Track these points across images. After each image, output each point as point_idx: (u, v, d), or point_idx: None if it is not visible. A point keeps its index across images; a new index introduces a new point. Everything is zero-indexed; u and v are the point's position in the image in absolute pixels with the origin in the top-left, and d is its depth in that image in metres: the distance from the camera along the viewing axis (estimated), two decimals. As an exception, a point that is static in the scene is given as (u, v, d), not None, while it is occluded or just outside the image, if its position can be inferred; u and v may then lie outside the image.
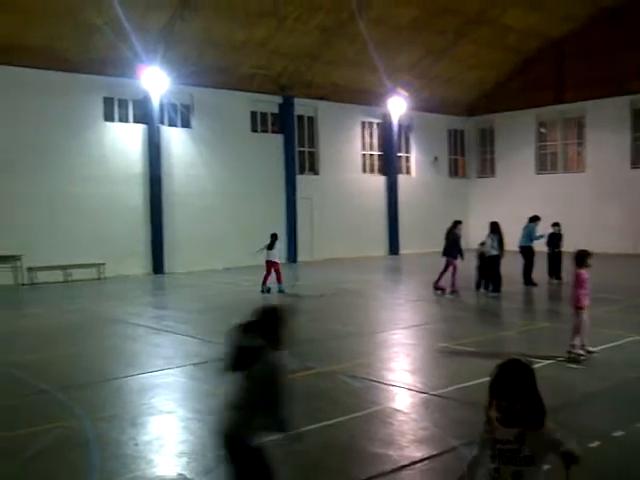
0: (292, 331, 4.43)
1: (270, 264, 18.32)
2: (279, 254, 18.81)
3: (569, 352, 9.69)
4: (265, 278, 18.28)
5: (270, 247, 18.53)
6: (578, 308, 9.73)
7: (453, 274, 17.28)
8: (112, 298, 18.81)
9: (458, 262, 17.51)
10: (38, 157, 22.09)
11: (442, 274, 17.48)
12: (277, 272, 18.27)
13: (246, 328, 4.39)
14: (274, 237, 18.81)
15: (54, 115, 22.34)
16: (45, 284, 21.66)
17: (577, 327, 9.70)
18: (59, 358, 10.81)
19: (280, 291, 18.16)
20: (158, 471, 5.86)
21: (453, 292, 17.15)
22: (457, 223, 18.30)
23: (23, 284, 21.66)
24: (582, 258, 9.80)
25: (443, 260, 17.75)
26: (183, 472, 5.82)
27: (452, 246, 17.75)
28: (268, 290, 18.13)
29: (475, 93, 34.09)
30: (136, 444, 6.55)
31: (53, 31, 21.33)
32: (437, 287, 17.50)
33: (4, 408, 8.04)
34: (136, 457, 6.22)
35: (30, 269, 21.86)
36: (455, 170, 35.97)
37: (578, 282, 9.74)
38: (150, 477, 5.72)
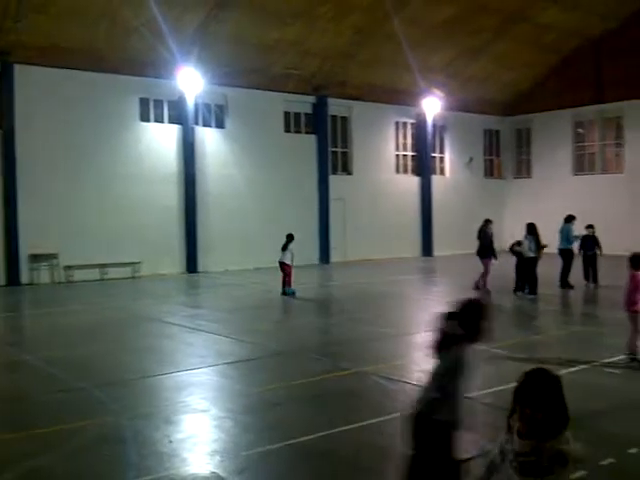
0: (491, 326, 4.43)
1: (283, 265, 17.94)
2: (291, 256, 18.12)
3: (630, 356, 9.46)
4: (283, 280, 17.93)
5: (283, 248, 18.19)
6: (634, 312, 9.49)
7: (484, 274, 17.27)
8: (147, 297, 19.00)
9: (492, 262, 17.38)
10: (76, 157, 22.42)
11: (483, 275, 17.41)
12: (287, 275, 17.81)
13: (450, 316, 4.51)
14: (289, 238, 18.43)
15: (91, 116, 22.65)
16: (81, 282, 21.96)
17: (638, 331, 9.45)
18: (96, 355, 10.94)
19: (287, 294, 17.64)
20: (192, 469, 5.88)
21: (481, 291, 17.07)
22: (488, 222, 18.21)
23: (60, 282, 22.00)
24: (638, 260, 9.56)
25: (478, 260, 17.61)
26: (216, 470, 5.82)
27: (485, 246, 17.62)
28: (288, 293, 17.73)
29: (512, 93, 33.70)
30: (171, 442, 6.58)
31: (90, 33, 21.64)
32: (477, 287, 17.40)
33: (43, 404, 8.16)
34: (171, 455, 6.24)
35: (67, 267, 22.18)
36: (490, 171, 35.62)
37: (634, 285, 9.49)
38: (184, 475, 5.74)
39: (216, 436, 6.80)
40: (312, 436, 6.62)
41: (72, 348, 11.46)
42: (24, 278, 21.48)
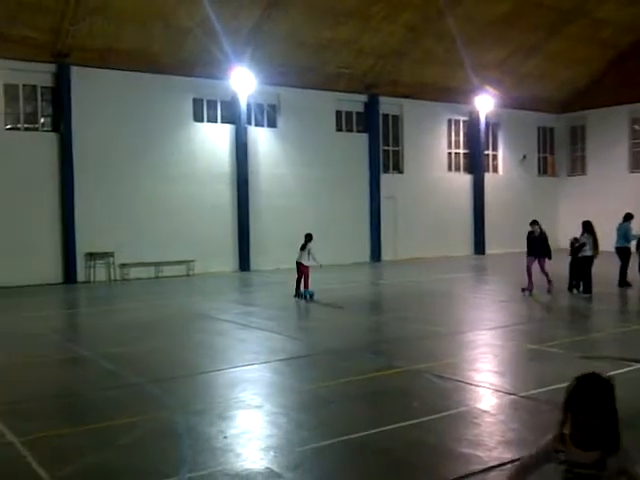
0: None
1: (300, 266, 17.13)
2: (308, 256, 17.16)
3: None
4: (297, 281, 17.19)
5: (302, 248, 17.30)
6: None
7: (528, 272, 16.90)
8: (200, 294, 19.27)
9: (536, 261, 17.03)
10: (131, 157, 22.90)
11: (545, 274, 16.97)
12: (305, 276, 16.99)
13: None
14: (307, 238, 17.47)
15: (146, 116, 23.09)
16: (136, 280, 22.41)
17: None
18: (151, 352, 11.16)
19: (306, 297, 16.88)
20: (246, 464, 5.93)
21: (524, 290, 16.80)
22: (532, 223, 17.86)
23: (115, 280, 22.49)
24: None
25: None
26: (270, 466, 5.86)
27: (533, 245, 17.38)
28: (304, 296, 17.02)
29: (567, 90, 33.08)
30: (225, 437, 6.66)
31: (146, 34, 22.06)
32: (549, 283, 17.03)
33: (100, 399, 8.35)
34: (225, 450, 6.32)
35: (122, 265, 22.66)
36: (544, 168, 35.05)
37: None
38: (238, 470, 5.80)
39: (270, 432, 6.86)
40: (365, 433, 6.63)
41: (128, 344, 11.71)
42: (80, 276, 22.05)
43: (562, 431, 3.04)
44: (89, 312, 17.19)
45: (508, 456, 5.95)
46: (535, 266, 16.93)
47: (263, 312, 15.33)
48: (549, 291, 16.87)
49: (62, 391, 8.88)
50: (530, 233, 17.49)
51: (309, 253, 17.13)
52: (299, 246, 17.44)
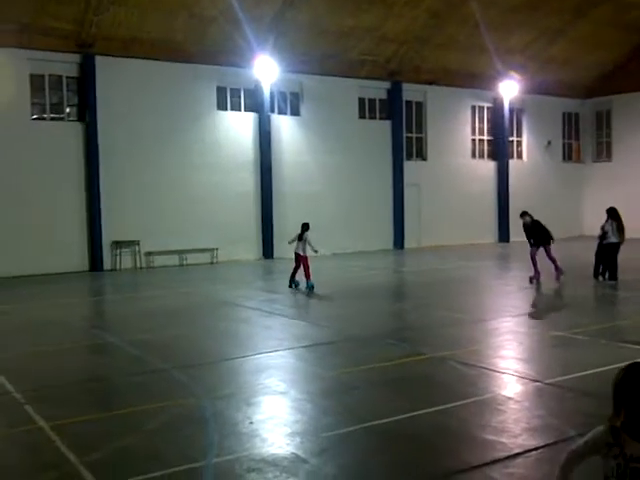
0: None
1: (298, 256, 16.58)
2: (305, 246, 16.54)
3: None
4: (293, 272, 16.72)
5: (299, 238, 16.69)
6: None
7: (533, 261, 16.68)
8: (225, 282, 19.40)
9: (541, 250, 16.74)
10: (155, 146, 23.04)
11: (552, 260, 16.74)
12: (305, 267, 16.36)
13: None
14: (304, 227, 16.89)
15: (170, 105, 23.22)
16: (161, 268, 22.62)
17: None
18: (177, 338, 11.27)
19: (307, 288, 16.25)
20: (272, 450, 5.99)
21: (531, 279, 16.67)
22: (521, 215, 17.70)
23: (140, 268, 22.72)
24: None
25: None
26: (296, 451, 5.92)
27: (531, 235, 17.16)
28: (296, 285, 16.59)
29: (592, 75, 32.63)
30: (251, 423, 6.73)
31: (169, 23, 22.14)
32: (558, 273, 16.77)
33: (127, 385, 8.48)
34: (251, 435, 6.39)
35: (147, 253, 22.88)
36: (569, 154, 34.68)
37: None
38: (264, 455, 5.86)
39: (295, 418, 6.92)
40: (389, 419, 6.67)
41: (154, 331, 11.84)
42: (107, 264, 22.32)
43: (614, 424, 2.88)
44: (115, 299, 17.40)
45: (533, 443, 5.96)
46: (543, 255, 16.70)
47: (287, 299, 15.41)
48: (557, 278, 16.68)
49: (89, 377, 9.01)
50: (523, 225, 17.37)
51: (306, 243, 16.54)
52: (295, 236, 16.90)
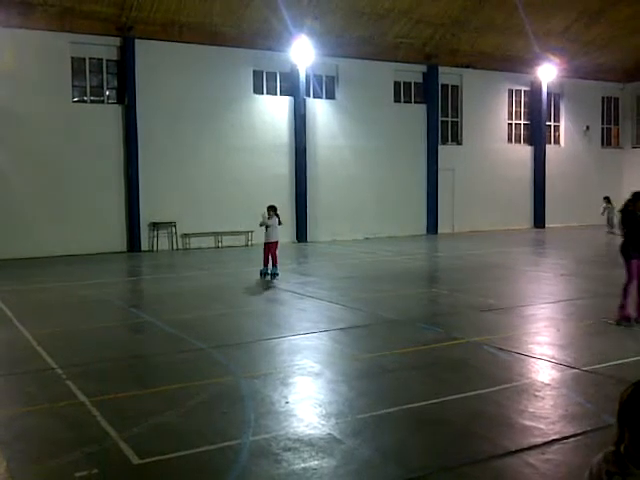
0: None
1: (268, 245, 15.74)
2: (273, 230, 15.69)
3: None
4: (265, 258, 15.78)
5: (266, 226, 15.75)
6: None
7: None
8: (259, 264, 19.48)
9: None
10: (193, 129, 23.21)
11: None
12: (272, 254, 15.64)
13: None
14: (271, 210, 15.87)
15: (208, 89, 23.34)
16: (197, 249, 22.84)
17: None
18: (213, 318, 11.44)
19: (270, 274, 15.63)
20: (308, 430, 6.06)
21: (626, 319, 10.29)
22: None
23: (177, 249, 22.98)
24: None
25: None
26: (332, 432, 5.97)
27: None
28: (267, 274, 15.73)
29: (633, 58, 31.91)
30: (287, 402, 6.81)
31: (207, 7, 22.20)
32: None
33: (165, 363, 8.62)
34: (287, 415, 6.47)
35: (184, 235, 23.12)
36: (608, 140, 34.06)
37: None
38: (300, 435, 5.93)
39: (331, 399, 6.98)
40: (425, 403, 6.70)
41: (191, 311, 12.00)
42: (144, 245, 22.60)
43: (617, 449, 2.40)
44: (152, 280, 17.64)
45: (570, 430, 5.94)
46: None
47: (321, 282, 15.46)
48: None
49: (129, 355, 9.18)
50: (629, 213, 10.35)
51: (269, 227, 15.64)
52: (259, 224, 16.01)
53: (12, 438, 6.01)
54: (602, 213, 25.34)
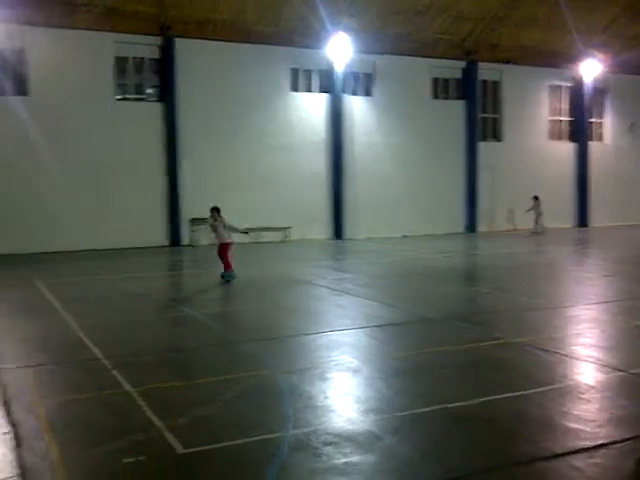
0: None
1: (223, 246, 15.14)
2: (226, 231, 15.17)
3: None
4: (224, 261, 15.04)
5: (214, 229, 15.32)
6: None
7: None
8: (297, 260, 19.51)
9: None
10: (231, 126, 23.36)
11: None
12: (225, 255, 14.99)
13: None
14: (214, 211, 15.31)
15: (245, 87, 23.47)
16: (235, 245, 22.82)
17: None
18: (251, 313, 11.50)
19: (226, 279, 14.79)
20: (347, 425, 6.00)
21: None
22: None
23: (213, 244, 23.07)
24: None
25: None
26: (371, 428, 5.90)
27: None
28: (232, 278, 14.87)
29: (680, 53, 31.11)
30: (326, 397, 6.76)
31: (242, 5, 22.29)
32: None
33: (204, 356, 8.68)
34: (326, 409, 6.42)
35: (222, 231, 23.21)
36: (654, 137, 33.26)
37: None
38: (339, 430, 5.87)
39: (369, 395, 6.90)
40: (465, 402, 6.57)
41: (230, 305, 12.07)
42: (184, 240, 22.86)
43: None
44: (192, 274, 17.89)
45: (618, 434, 5.75)
46: None
47: (358, 279, 15.36)
48: None
49: (171, 347, 9.27)
50: None
51: (225, 227, 15.11)
52: (209, 227, 15.62)
53: (62, 425, 6.13)
54: None
